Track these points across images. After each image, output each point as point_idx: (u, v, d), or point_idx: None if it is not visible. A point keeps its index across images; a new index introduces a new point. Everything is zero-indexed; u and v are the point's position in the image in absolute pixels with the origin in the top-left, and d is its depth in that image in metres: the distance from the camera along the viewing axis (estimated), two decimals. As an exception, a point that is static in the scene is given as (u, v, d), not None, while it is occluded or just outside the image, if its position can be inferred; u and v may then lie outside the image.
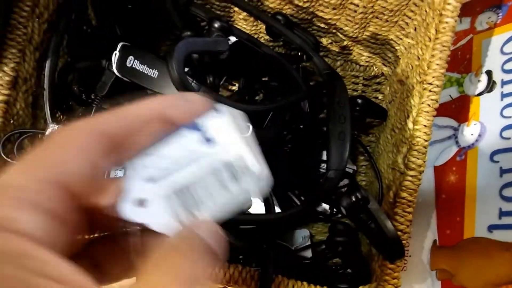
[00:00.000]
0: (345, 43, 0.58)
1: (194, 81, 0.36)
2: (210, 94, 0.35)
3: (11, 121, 0.42)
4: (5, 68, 0.40)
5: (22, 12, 0.40)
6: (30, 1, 0.40)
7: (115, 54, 0.40)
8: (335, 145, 0.38)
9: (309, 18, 0.54)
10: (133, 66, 0.40)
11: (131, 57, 0.40)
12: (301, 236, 0.50)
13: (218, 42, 0.39)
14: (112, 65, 0.41)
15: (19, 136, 0.43)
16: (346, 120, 0.39)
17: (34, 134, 0.45)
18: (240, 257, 0.45)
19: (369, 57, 0.59)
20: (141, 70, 0.40)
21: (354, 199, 0.37)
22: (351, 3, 0.50)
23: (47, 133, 0.41)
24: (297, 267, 0.43)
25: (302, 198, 0.48)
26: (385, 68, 0.59)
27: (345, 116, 0.39)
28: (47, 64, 0.44)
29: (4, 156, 0.42)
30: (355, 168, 0.56)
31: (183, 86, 0.30)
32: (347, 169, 0.55)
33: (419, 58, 0.45)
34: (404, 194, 0.40)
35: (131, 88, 0.47)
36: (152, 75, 0.39)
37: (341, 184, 0.39)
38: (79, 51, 0.46)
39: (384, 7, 0.49)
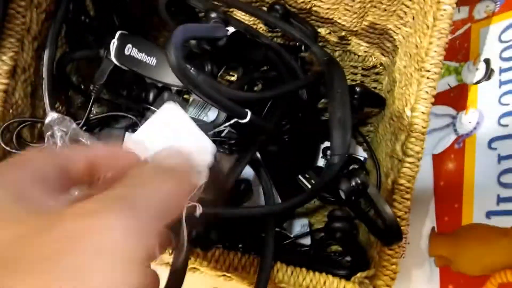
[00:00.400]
0: (343, 33, 0.58)
1: (192, 68, 0.36)
2: (210, 82, 0.36)
3: (10, 111, 0.42)
4: (4, 58, 0.40)
5: (20, 1, 0.40)
6: (28, -10, 0.40)
7: (113, 42, 0.40)
8: (336, 131, 0.37)
9: (307, 7, 0.54)
10: (131, 54, 0.40)
11: (129, 45, 0.40)
12: (300, 224, 0.50)
13: (216, 28, 0.39)
14: (110, 54, 0.41)
15: (18, 125, 0.43)
16: (345, 106, 0.39)
17: (33, 123, 0.45)
18: (240, 245, 0.45)
19: (367, 47, 0.59)
20: (139, 58, 0.40)
21: (353, 183, 0.37)
22: (349, -8, 0.50)
23: (46, 121, 0.41)
24: (296, 255, 0.43)
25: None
26: (383, 58, 0.60)
27: (344, 101, 0.39)
28: (46, 53, 0.43)
29: (3, 145, 0.42)
30: (365, 155, 0.56)
31: (181, 73, 0.30)
32: (358, 157, 0.56)
33: (417, 46, 0.45)
34: (402, 181, 0.40)
35: (129, 76, 0.48)
36: (150, 63, 0.39)
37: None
38: (77, 41, 0.46)
39: (382, -4, 0.49)
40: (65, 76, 0.46)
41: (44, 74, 0.44)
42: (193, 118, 0.36)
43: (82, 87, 0.54)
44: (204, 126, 0.37)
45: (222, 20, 0.42)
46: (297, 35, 0.46)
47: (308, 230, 0.49)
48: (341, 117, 0.38)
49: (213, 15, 0.41)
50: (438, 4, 0.41)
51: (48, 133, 0.39)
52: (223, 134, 0.44)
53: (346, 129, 0.37)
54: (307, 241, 0.47)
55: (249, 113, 0.35)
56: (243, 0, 0.51)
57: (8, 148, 0.43)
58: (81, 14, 0.48)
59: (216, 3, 0.53)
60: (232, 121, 0.39)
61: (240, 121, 0.36)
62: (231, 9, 0.56)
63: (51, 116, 0.40)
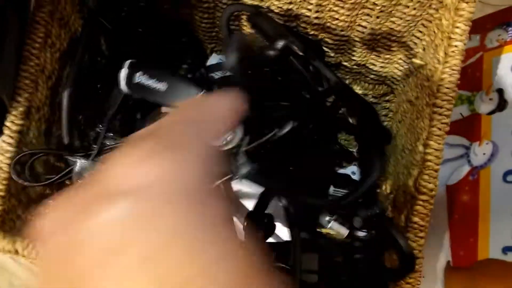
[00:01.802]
0: (354, 62, 0.58)
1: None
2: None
3: (24, 150, 0.43)
4: (19, 99, 0.41)
5: (34, 43, 0.41)
6: (42, 33, 0.41)
7: (123, 71, 0.40)
8: (377, 155, 0.39)
9: (318, 38, 0.54)
10: (141, 82, 0.40)
11: (139, 73, 0.40)
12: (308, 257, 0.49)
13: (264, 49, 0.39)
14: (119, 83, 0.41)
15: (30, 157, 0.43)
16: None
17: (46, 155, 0.46)
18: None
19: (377, 75, 0.59)
20: (149, 84, 0.39)
21: (370, 212, 0.37)
22: (359, 25, 0.50)
23: (76, 169, 0.41)
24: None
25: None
26: (394, 87, 0.59)
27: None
28: (65, 96, 0.43)
29: (15, 178, 0.42)
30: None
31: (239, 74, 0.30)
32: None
33: (428, 79, 0.45)
34: (416, 219, 0.39)
35: (141, 105, 0.48)
36: (160, 89, 0.39)
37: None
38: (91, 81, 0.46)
39: (392, 29, 0.49)
40: (76, 113, 0.46)
41: (64, 116, 0.44)
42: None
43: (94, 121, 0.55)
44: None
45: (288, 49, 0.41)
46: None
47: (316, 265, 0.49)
48: (382, 148, 0.40)
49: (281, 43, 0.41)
50: (450, 40, 0.41)
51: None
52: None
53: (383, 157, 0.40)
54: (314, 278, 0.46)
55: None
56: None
57: (20, 181, 0.43)
58: (97, 55, 0.49)
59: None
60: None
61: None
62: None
63: (80, 164, 0.40)
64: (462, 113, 0.54)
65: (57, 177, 0.46)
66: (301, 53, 0.43)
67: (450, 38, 0.41)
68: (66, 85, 0.42)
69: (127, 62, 0.41)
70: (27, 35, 0.41)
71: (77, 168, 0.38)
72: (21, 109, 0.41)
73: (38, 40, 0.41)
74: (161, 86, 0.40)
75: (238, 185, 0.46)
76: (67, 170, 0.45)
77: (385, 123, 0.60)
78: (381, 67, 0.58)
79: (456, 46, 0.41)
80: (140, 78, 0.40)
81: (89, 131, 0.51)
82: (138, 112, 0.50)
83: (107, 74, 0.46)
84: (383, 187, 0.55)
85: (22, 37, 0.40)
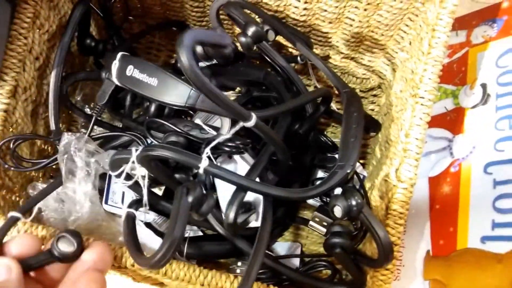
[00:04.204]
0: (341, 56, 0.59)
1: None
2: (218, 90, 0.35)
3: (10, 129, 0.43)
4: (6, 78, 0.41)
5: (23, 23, 0.41)
6: (31, 13, 0.41)
7: (115, 63, 0.41)
8: (348, 145, 0.39)
9: (306, 31, 0.55)
10: (132, 75, 0.40)
11: (130, 66, 0.40)
12: (289, 247, 0.50)
13: (222, 36, 0.39)
14: (111, 75, 0.41)
15: (15, 141, 0.43)
16: (359, 126, 0.42)
17: (32, 139, 0.46)
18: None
19: (365, 69, 0.60)
20: (140, 78, 0.40)
21: (350, 202, 0.37)
22: (347, 17, 0.50)
23: (63, 142, 0.41)
24: (285, 276, 0.43)
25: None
26: (381, 81, 0.60)
27: (359, 122, 0.41)
28: (52, 76, 0.44)
29: (1, 161, 0.42)
30: (365, 174, 0.57)
31: (193, 73, 0.29)
32: (360, 175, 0.56)
33: (412, 72, 0.46)
34: (395, 206, 0.40)
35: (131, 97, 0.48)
36: (152, 84, 0.40)
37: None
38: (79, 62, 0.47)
39: (379, 22, 0.50)
40: (66, 96, 0.47)
41: (50, 96, 0.44)
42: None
43: (87, 106, 0.55)
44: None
45: (259, 35, 0.42)
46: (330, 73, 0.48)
47: (298, 252, 0.49)
48: (354, 134, 0.40)
49: (253, 28, 0.41)
50: (433, 32, 0.42)
51: (65, 156, 0.40)
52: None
53: (356, 146, 0.39)
54: (295, 263, 0.47)
55: (254, 116, 0.35)
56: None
57: (7, 166, 0.43)
58: (86, 37, 0.49)
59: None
60: (237, 128, 0.38)
61: (245, 124, 0.35)
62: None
63: (67, 137, 0.40)
64: (446, 107, 0.55)
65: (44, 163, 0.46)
66: (271, 41, 0.44)
67: (434, 30, 0.42)
68: (53, 66, 0.42)
69: (119, 55, 0.42)
70: (16, 14, 0.41)
71: (63, 141, 0.38)
72: (7, 88, 0.41)
73: (26, 20, 0.41)
74: (151, 81, 0.40)
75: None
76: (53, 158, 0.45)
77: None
78: (369, 61, 0.58)
79: (439, 37, 0.41)
80: (131, 71, 0.41)
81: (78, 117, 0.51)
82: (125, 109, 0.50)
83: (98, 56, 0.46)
84: (368, 179, 0.55)
85: (10, 16, 0.41)
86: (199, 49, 0.36)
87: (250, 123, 0.35)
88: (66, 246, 0.33)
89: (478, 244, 0.45)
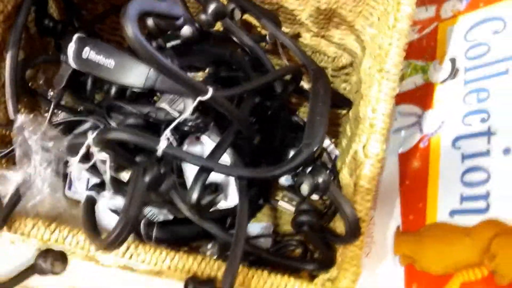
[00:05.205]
0: (311, 34, 0.58)
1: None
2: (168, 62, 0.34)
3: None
4: (-42, 63, 0.39)
5: (-26, 4, 0.40)
6: (-18, -6, 0.40)
7: (71, 46, 0.40)
8: (314, 123, 0.39)
9: (274, 8, 0.54)
10: (89, 57, 0.39)
11: (87, 48, 0.39)
12: (261, 227, 0.49)
13: (172, 6, 0.38)
14: (68, 58, 0.40)
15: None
16: (326, 103, 0.41)
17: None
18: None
19: (336, 48, 0.59)
20: (97, 61, 0.39)
21: (317, 180, 0.37)
22: (314, -7, 0.50)
23: (16, 125, 0.39)
24: (256, 256, 0.43)
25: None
26: (352, 59, 0.60)
27: (325, 100, 0.41)
28: (8, 58, 0.43)
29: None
30: (337, 153, 0.56)
31: (139, 44, 0.28)
32: (332, 154, 0.56)
33: (380, 47, 0.45)
34: (362, 182, 0.40)
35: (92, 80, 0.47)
36: (108, 66, 0.39)
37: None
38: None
39: (347, -3, 0.49)
40: (24, 81, 0.45)
41: (7, 79, 0.43)
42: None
43: (50, 91, 0.53)
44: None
45: (220, 12, 0.40)
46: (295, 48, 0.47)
47: (270, 233, 0.49)
48: (321, 112, 0.40)
49: (213, 5, 0.40)
50: (398, 5, 0.41)
51: (20, 138, 0.39)
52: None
53: (322, 124, 0.39)
54: (267, 243, 0.47)
55: (211, 89, 0.34)
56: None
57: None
58: (44, 17, 0.47)
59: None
60: (195, 103, 0.36)
61: (202, 98, 0.34)
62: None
63: (20, 119, 0.39)
64: (416, 83, 0.55)
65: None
66: (237, 19, 0.43)
67: (399, 3, 0.41)
68: (7, 49, 0.41)
69: (75, 37, 0.40)
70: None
71: (17, 123, 0.37)
72: (-40, 73, 0.39)
73: (-22, 2, 0.40)
74: (108, 62, 0.39)
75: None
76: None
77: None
78: (340, 39, 0.58)
79: (404, 10, 0.41)
80: (88, 53, 0.39)
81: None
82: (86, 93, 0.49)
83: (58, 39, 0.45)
84: (340, 158, 0.55)
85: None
86: (150, 22, 0.35)
87: (207, 96, 0.34)
88: None
89: (447, 218, 0.45)
